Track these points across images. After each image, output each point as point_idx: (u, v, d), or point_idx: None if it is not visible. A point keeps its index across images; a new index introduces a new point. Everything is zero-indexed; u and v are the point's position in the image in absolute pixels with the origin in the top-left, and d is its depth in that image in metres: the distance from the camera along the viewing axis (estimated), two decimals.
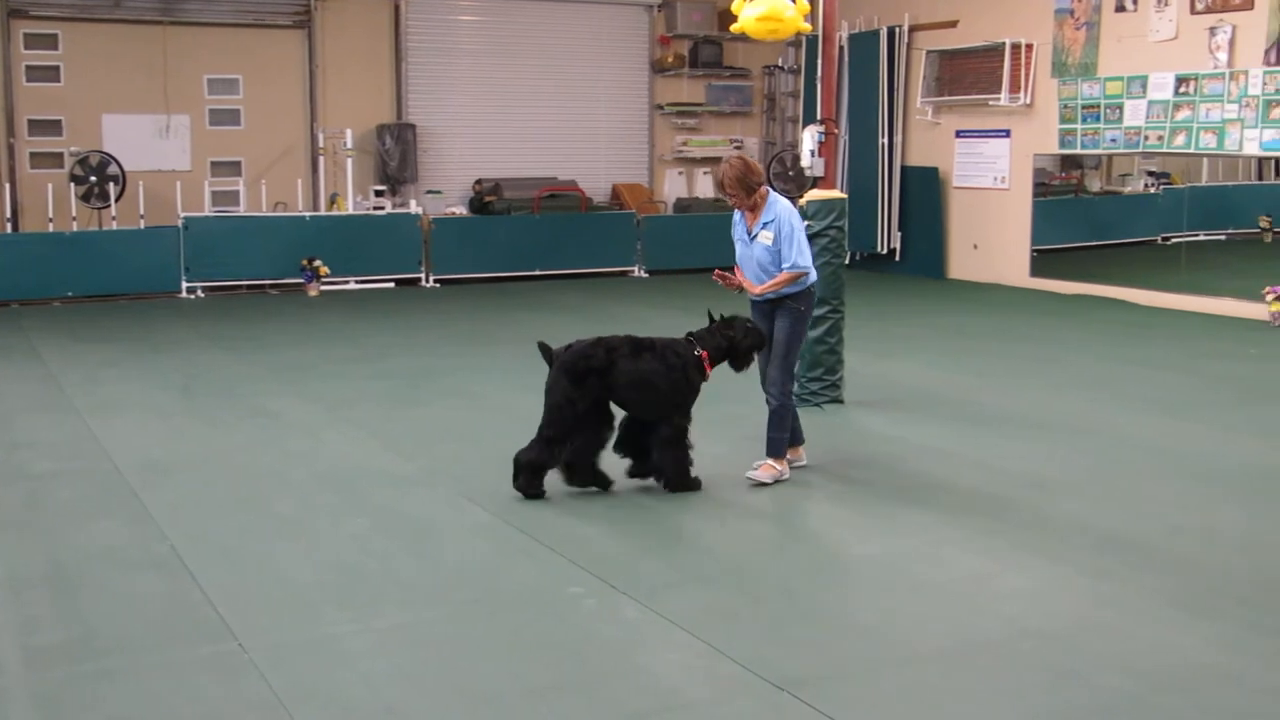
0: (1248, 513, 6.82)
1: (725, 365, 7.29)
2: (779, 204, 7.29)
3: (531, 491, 6.88)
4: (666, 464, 7.04)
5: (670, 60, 18.83)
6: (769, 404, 7.36)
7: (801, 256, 7.18)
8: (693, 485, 7.10)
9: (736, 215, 7.48)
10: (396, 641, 5.05)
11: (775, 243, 7.20)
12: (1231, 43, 13.47)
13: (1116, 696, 4.54)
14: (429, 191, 17.30)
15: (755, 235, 7.30)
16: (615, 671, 4.79)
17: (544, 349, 6.96)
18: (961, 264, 17.02)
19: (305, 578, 5.76)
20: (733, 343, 7.17)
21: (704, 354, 7.11)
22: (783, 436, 7.37)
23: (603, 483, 7.07)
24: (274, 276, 15.66)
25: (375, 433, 8.48)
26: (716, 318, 7.26)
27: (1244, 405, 9.37)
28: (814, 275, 7.39)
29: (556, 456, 6.88)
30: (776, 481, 7.29)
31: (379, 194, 16.79)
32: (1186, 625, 5.21)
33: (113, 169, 15.44)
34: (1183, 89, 13.96)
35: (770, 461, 7.36)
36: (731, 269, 7.50)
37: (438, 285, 16.39)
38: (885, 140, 17.32)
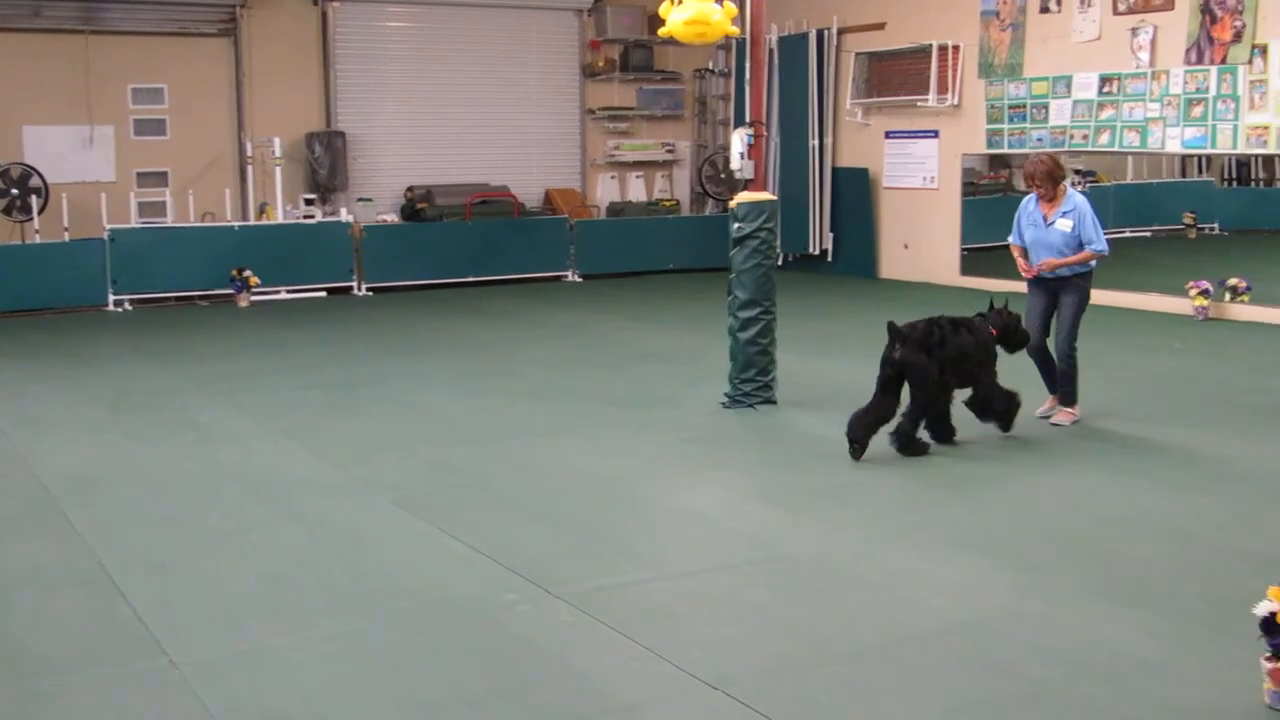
0: (1171, 503, 6.94)
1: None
2: (1076, 196, 8.58)
3: (917, 449, 7.87)
4: (996, 406, 8.24)
5: (601, 65, 18.84)
6: (1060, 366, 8.60)
7: (1102, 242, 8.45)
8: (918, 445, 7.96)
9: (1031, 204, 8.66)
10: (331, 653, 5.02)
11: (1074, 229, 8.42)
12: (1153, 43, 13.69)
13: (1044, 686, 4.61)
14: (360, 199, 17.19)
15: (1053, 222, 8.51)
16: (551, 676, 4.79)
17: (893, 327, 7.87)
18: (893, 264, 17.17)
19: (237, 591, 5.71)
20: (1010, 331, 8.36)
21: (994, 330, 8.27)
22: (1073, 389, 8.65)
23: (862, 450, 7.83)
24: (203, 288, 15.48)
25: (307, 443, 8.42)
26: (1000, 304, 8.40)
27: (1167, 399, 9.52)
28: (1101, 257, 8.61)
29: (927, 413, 7.95)
30: (1075, 422, 8.59)
31: (309, 202, 16.65)
32: (1113, 615, 5.30)
33: (35, 181, 15.18)
34: (1106, 88, 14.17)
35: (1067, 410, 8.66)
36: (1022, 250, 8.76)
37: (370, 293, 16.30)
38: (816, 142, 17.44)
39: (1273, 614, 4.36)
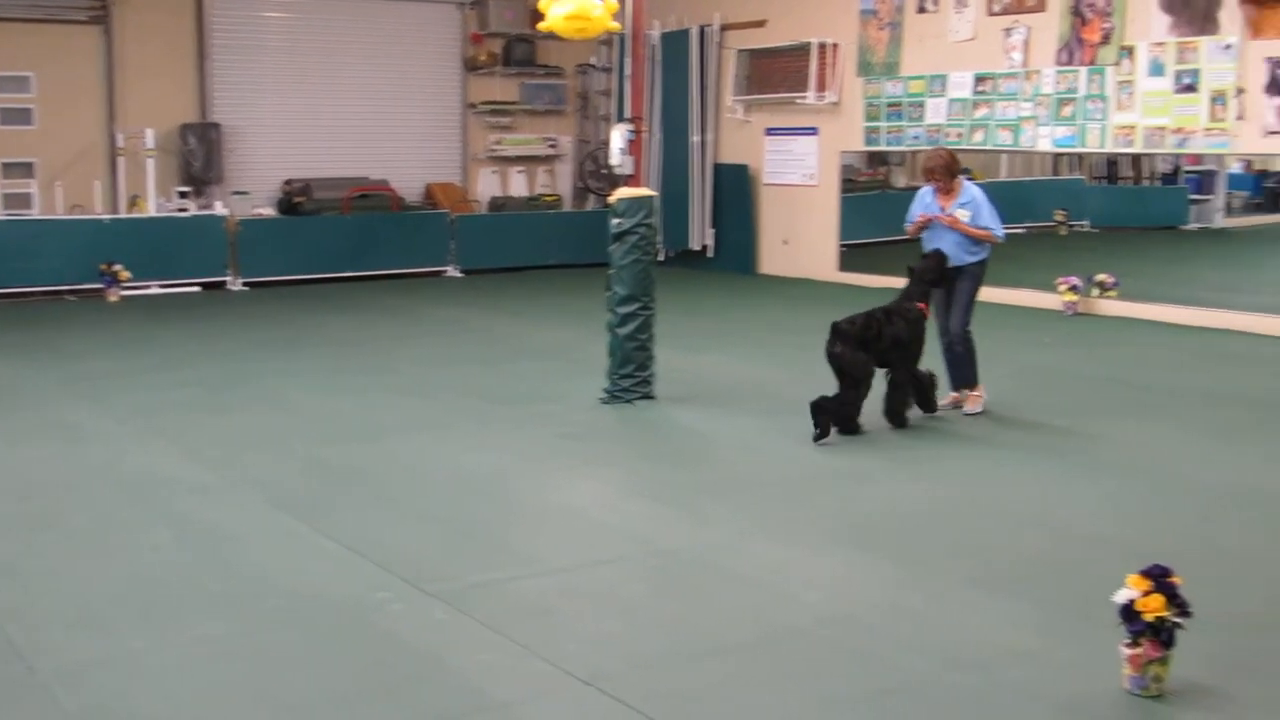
0: (1040, 494, 7.09)
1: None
2: (972, 188, 8.91)
3: (824, 437, 8.07)
4: (920, 385, 8.62)
5: (483, 58, 18.70)
6: (955, 349, 8.87)
7: (1000, 229, 8.82)
8: (901, 423, 8.47)
9: (928, 196, 8.91)
10: (199, 655, 4.92)
11: (972, 220, 8.72)
12: (1026, 43, 13.96)
13: (916, 678, 4.67)
14: (235, 192, 16.82)
15: (951, 213, 8.76)
16: (424, 676, 4.74)
17: (835, 326, 8.21)
18: (772, 260, 17.31)
19: (102, 593, 5.56)
20: (931, 282, 8.70)
21: (922, 306, 8.58)
22: (972, 371, 8.92)
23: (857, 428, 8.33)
24: (71, 282, 15.05)
25: (178, 442, 8.24)
26: (912, 268, 8.73)
27: (1037, 392, 9.70)
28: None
29: (858, 409, 8.25)
30: (981, 410, 8.88)
31: (183, 195, 16.28)
32: (985, 606, 5.39)
33: None
34: (981, 88, 14.43)
35: (973, 393, 8.92)
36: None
37: (246, 288, 16.01)
38: (697, 138, 17.50)
39: (1131, 601, 4.47)
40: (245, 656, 4.91)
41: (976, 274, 8.91)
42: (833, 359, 8.23)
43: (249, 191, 16.96)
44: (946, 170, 8.81)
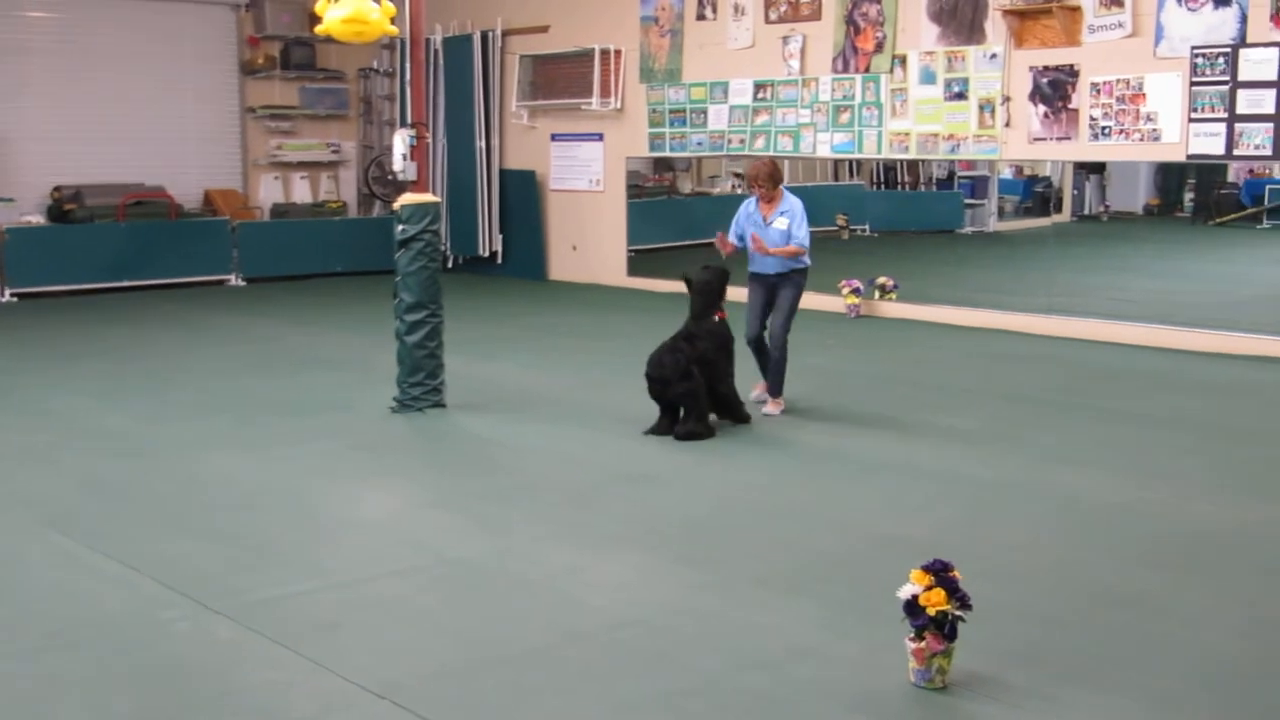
0: (826, 493, 7.27)
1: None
2: (790, 198, 9.16)
3: (706, 433, 8.45)
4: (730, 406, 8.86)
5: (261, 62, 18.28)
6: (774, 353, 9.12)
7: (807, 238, 9.05)
8: (706, 433, 8.49)
9: (751, 205, 9.20)
10: None
11: (789, 228, 8.98)
12: (803, 51, 14.31)
13: (704, 677, 4.73)
14: (0, 199, 16.10)
15: (771, 222, 9.07)
16: (210, 696, 4.60)
17: (652, 378, 8.50)
18: (561, 265, 17.35)
19: None
20: (718, 291, 8.86)
21: (720, 315, 8.81)
22: (782, 380, 9.19)
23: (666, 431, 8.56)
24: None
25: None
26: (692, 279, 8.87)
27: (822, 394, 9.91)
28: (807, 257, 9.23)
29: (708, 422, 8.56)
30: (782, 412, 9.12)
31: None
32: (774, 605, 5.49)
33: None
34: (761, 94, 14.73)
35: (776, 400, 9.20)
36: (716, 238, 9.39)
37: (15, 299, 15.31)
38: (483, 144, 17.43)
39: (915, 596, 4.61)
40: (16, 685, 4.69)
41: (799, 282, 9.20)
42: (662, 400, 8.51)
43: (14, 198, 16.25)
44: (770, 178, 9.07)
